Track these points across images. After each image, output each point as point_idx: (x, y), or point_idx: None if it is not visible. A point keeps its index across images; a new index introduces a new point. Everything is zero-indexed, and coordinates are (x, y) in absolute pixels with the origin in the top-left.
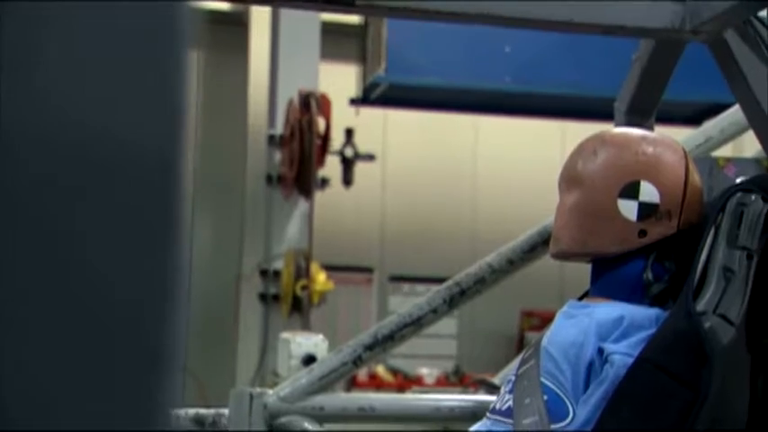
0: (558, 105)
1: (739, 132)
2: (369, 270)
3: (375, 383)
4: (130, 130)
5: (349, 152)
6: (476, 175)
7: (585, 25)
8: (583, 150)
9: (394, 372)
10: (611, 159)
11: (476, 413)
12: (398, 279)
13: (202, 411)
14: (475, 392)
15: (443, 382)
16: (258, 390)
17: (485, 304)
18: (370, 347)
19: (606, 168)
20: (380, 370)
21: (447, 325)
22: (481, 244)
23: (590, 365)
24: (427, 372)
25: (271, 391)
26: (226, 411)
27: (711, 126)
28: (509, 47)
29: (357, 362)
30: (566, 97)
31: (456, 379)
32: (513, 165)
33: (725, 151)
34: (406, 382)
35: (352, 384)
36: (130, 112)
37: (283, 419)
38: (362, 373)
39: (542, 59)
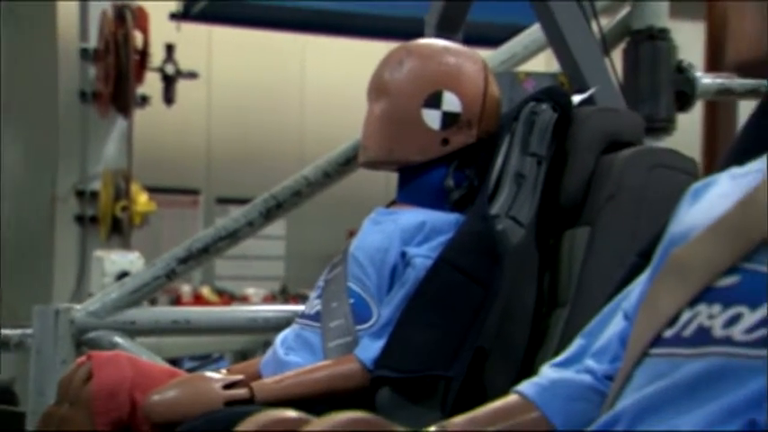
0: (385, 26)
1: (542, 48)
2: (195, 192)
3: (200, 304)
4: None
5: (170, 69)
6: (303, 94)
7: None
8: (390, 60)
9: (220, 293)
10: (416, 69)
11: (292, 323)
12: (226, 201)
13: (6, 332)
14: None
15: (270, 302)
16: (64, 305)
17: (312, 225)
18: (183, 261)
19: (411, 78)
20: (206, 291)
21: (275, 246)
22: (310, 164)
23: (394, 268)
24: (253, 292)
25: (78, 307)
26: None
27: (516, 43)
28: None
29: (171, 275)
30: (393, 18)
31: (282, 299)
32: (341, 85)
33: (539, 66)
34: (231, 301)
35: (176, 305)
36: None
37: (92, 334)
38: (187, 295)
39: None
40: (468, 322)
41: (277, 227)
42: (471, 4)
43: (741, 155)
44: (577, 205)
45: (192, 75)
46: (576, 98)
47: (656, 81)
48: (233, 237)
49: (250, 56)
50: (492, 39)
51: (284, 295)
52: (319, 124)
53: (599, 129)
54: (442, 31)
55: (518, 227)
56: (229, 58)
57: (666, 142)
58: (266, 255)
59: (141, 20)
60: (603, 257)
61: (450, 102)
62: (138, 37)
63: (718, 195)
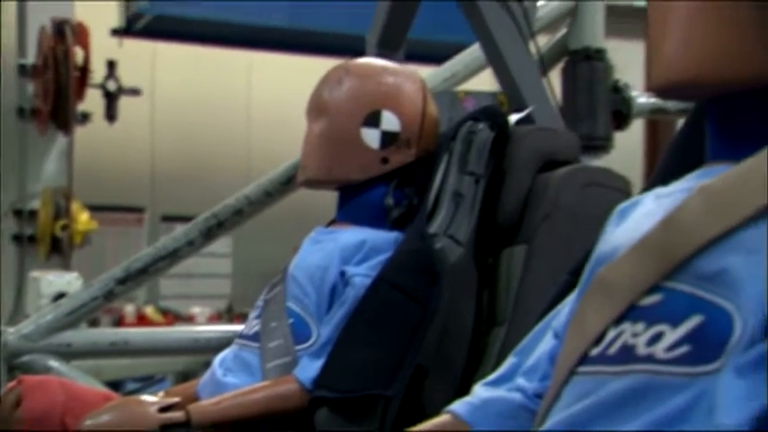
0: (332, 42)
1: (482, 67)
2: (139, 210)
3: (143, 324)
4: None
5: (111, 86)
6: (249, 111)
7: None
8: (328, 80)
9: (164, 312)
10: (355, 89)
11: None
12: (171, 219)
13: None
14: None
15: (216, 321)
16: None
17: (259, 242)
18: (122, 281)
19: (350, 97)
20: (150, 311)
21: (221, 264)
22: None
23: (333, 288)
24: (199, 311)
25: (11, 329)
26: None
27: (457, 62)
28: None
29: (109, 296)
30: (339, 34)
31: (228, 317)
32: (287, 101)
33: (485, 84)
34: (176, 320)
35: (119, 326)
36: None
37: (25, 358)
38: (130, 315)
39: None
40: (407, 341)
41: (223, 244)
42: (413, 23)
43: (667, 174)
44: (515, 224)
45: (135, 91)
46: (514, 117)
47: (593, 100)
48: (173, 256)
49: (195, 72)
50: (435, 56)
51: (230, 314)
52: (266, 140)
53: (535, 148)
54: (382, 50)
55: (456, 245)
56: (174, 74)
57: (609, 161)
58: (212, 273)
59: (82, 36)
60: (539, 276)
61: (389, 121)
62: (78, 53)
63: (642, 215)
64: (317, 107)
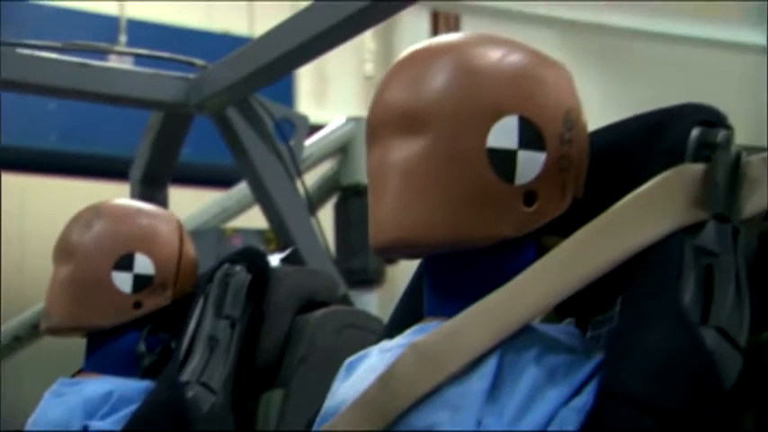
0: (108, 166)
1: (253, 204)
2: None
3: None
4: None
5: None
6: (23, 237)
7: (93, 94)
8: (78, 222)
9: None
10: (106, 231)
11: None
12: None
13: None
14: None
15: None
16: None
17: (30, 375)
18: None
19: (101, 240)
20: None
21: None
22: (30, 309)
23: None
24: None
25: None
26: None
27: (227, 197)
28: (54, 104)
29: None
30: (116, 158)
31: None
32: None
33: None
34: None
35: None
36: None
37: None
38: None
39: (88, 118)
40: None
41: None
42: (176, 160)
43: (395, 326)
44: (273, 367)
45: None
46: (277, 257)
47: (365, 235)
48: None
49: None
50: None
51: None
52: (41, 267)
53: (294, 289)
54: (147, 186)
55: (209, 393)
56: None
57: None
58: None
59: None
60: (295, 422)
61: (143, 264)
62: None
63: (366, 370)
64: (65, 250)
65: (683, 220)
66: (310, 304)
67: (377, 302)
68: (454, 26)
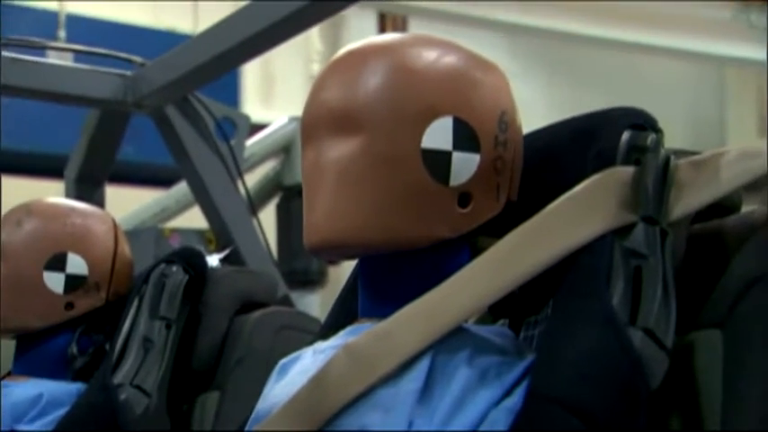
0: (42, 164)
1: (193, 203)
2: None
3: None
4: None
5: None
6: None
7: (27, 90)
8: (8, 221)
9: None
10: (38, 230)
11: None
12: None
13: None
14: None
15: None
16: None
17: None
18: None
19: (31, 240)
20: None
21: None
22: None
23: None
24: None
25: None
26: None
27: (166, 197)
28: None
29: None
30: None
31: None
32: None
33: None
34: None
35: None
36: None
37: None
38: None
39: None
40: None
41: None
42: (114, 159)
43: (330, 327)
44: (210, 369)
45: None
46: (216, 257)
47: None
48: None
49: None
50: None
51: None
52: None
53: (232, 290)
54: (83, 185)
55: (143, 395)
56: None
57: None
58: None
59: None
60: (230, 424)
61: (76, 264)
62: None
63: (298, 371)
64: None
65: (614, 223)
66: (249, 305)
67: (319, 304)
68: (401, 28)
